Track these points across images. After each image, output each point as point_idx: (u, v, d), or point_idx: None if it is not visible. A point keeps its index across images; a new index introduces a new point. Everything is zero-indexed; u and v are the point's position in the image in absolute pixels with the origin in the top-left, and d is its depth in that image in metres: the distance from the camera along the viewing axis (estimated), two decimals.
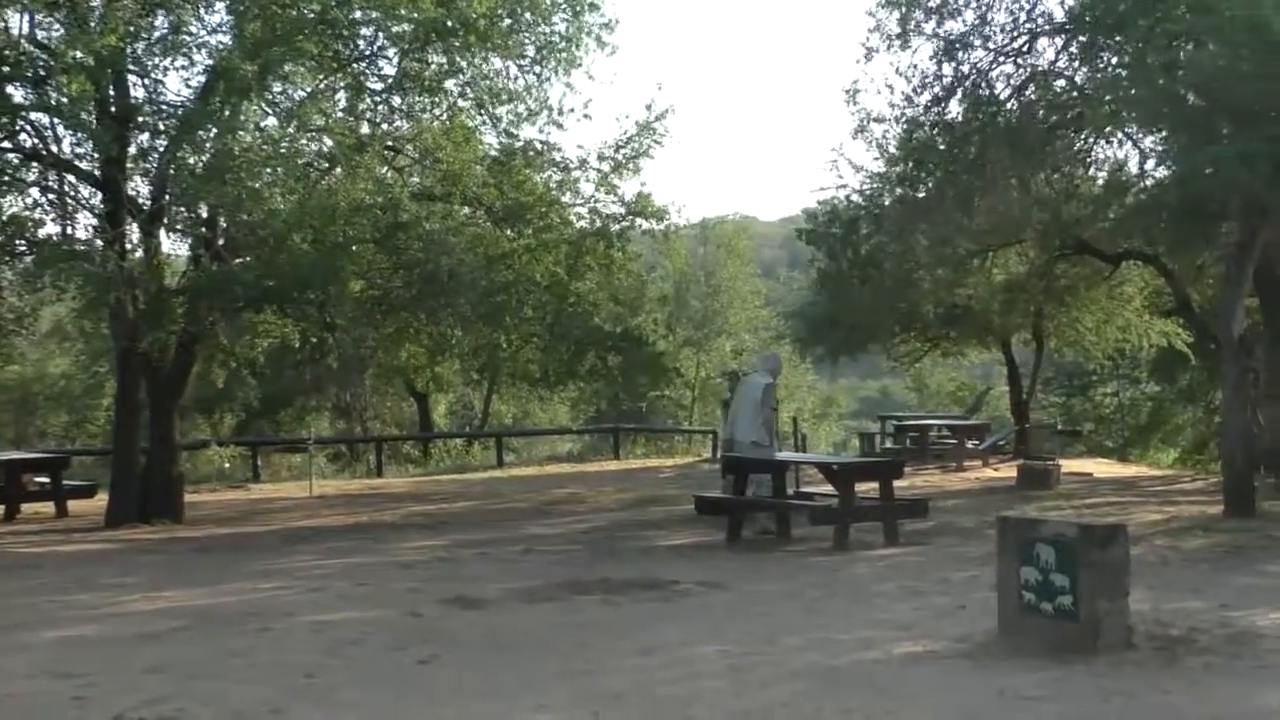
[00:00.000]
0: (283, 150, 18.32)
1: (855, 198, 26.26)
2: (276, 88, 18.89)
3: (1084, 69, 19.51)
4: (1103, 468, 28.43)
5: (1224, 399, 18.53)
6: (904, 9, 20.52)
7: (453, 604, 11.55)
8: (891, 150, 23.65)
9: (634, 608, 11.42)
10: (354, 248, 19.46)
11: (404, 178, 21.25)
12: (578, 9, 20.85)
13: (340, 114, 19.79)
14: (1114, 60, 18.71)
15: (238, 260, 19.48)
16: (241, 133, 17.80)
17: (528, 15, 20.60)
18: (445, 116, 21.31)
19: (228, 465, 28.07)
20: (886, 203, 24.93)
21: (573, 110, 21.70)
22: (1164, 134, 18.13)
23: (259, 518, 20.10)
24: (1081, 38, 19.16)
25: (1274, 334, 22.21)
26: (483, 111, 21.51)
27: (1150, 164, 20.47)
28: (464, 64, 20.39)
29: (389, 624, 10.65)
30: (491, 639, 9.94)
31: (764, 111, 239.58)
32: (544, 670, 8.74)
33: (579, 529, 18.05)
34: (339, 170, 19.47)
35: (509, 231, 21.95)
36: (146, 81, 19.01)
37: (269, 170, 18.14)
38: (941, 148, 21.31)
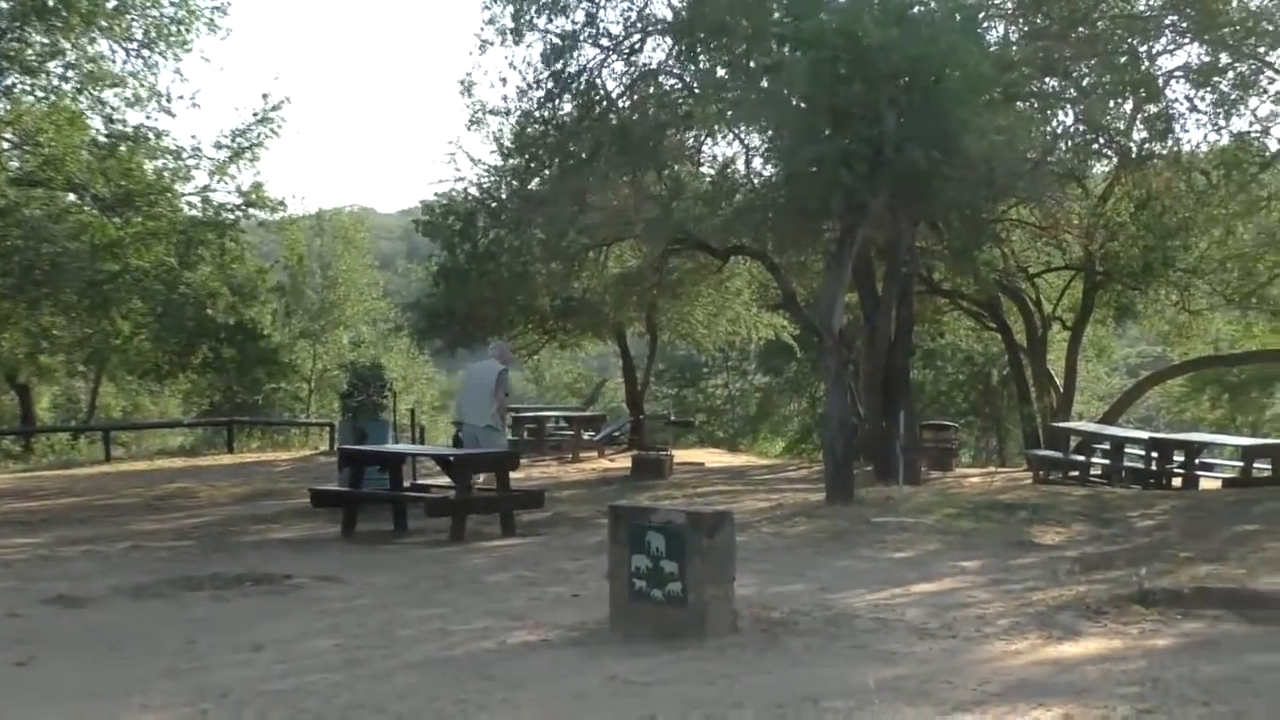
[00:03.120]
0: None
1: (473, 190, 26.38)
2: None
3: (691, 69, 20.01)
4: (714, 457, 29.28)
5: (826, 390, 19.24)
6: (517, 4, 20.65)
7: (54, 603, 11.10)
8: (506, 144, 23.86)
9: (246, 603, 11.20)
10: None
11: (2, 162, 20.35)
12: None
13: None
14: (723, 59, 19.23)
15: None
16: None
17: None
18: (47, 99, 20.52)
19: None
20: (504, 195, 25.11)
21: (183, 97, 21.29)
22: (768, 134, 18.72)
23: None
24: (687, 39, 19.64)
25: (872, 328, 23.21)
26: (87, 95, 20.81)
27: (756, 163, 21.16)
28: (67, 45, 19.68)
29: None
30: (95, 638, 9.60)
31: (382, 102, 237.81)
32: (150, 669, 8.49)
33: (190, 524, 17.59)
34: None
35: (116, 219, 21.28)
36: None
37: None
38: (554, 142, 21.58)
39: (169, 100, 21.36)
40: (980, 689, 7.59)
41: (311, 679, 8.19)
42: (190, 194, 22.64)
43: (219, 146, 22.24)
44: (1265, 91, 21.37)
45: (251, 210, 23.31)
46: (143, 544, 15.45)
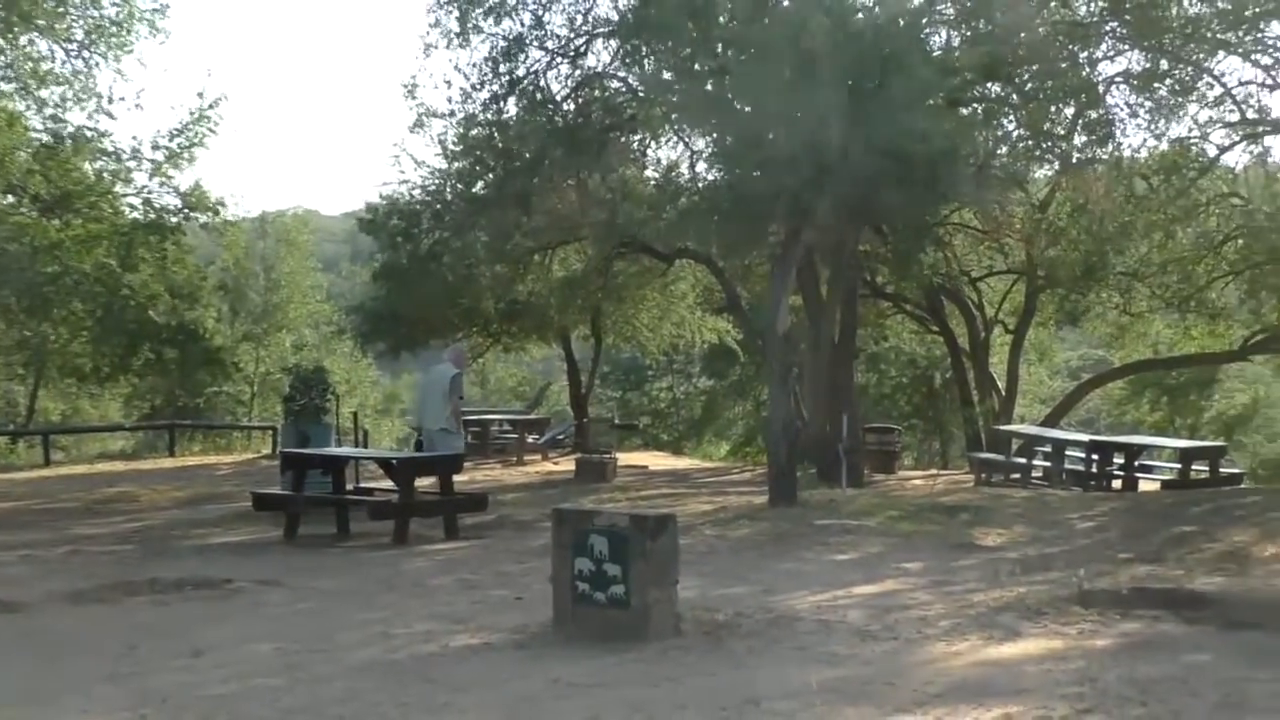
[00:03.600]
0: None
1: (417, 193, 26.29)
2: None
3: (637, 71, 20.03)
4: (658, 461, 29.26)
5: (770, 393, 19.25)
6: (463, 7, 20.63)
7: None
8: (451, 146, 23.81)
9: (186, 607, 11.14)
10: None
11: None
12: None
13: None
14: (669, 62, 19.25)
15: None
16: None
17: None
18: None
19: None
20: (449, 198, 25.05)
21: (124, 99, 21.13)
22: (714, 137, 18.75)
23: None
24: (632, 41, 19.66)
25: (817, 331, 23.27)
26: (26, 95, 20.65)
27: (701, 166, 21.19)
28: (5, 45, 19.52)
29: None
30: (34, 643, 9.53)
31: (327, 104, 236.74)
32: (90, 674, 8.43)
33: (130, 528, 17.45)
34: None
35: (56, 221, 21.11)
36: None
37: None
38: (499, 145, 21.56)
39: (110, 101, 21.27)
40: (921, 690, 7.64)
41: (253, 683, 8.15)
42: (130, 195, 22.51)
43: (156, 147, 22.09)
44: (1204, 97, 21.65)
45: (192, 214, 23.17)
46: (82, 548, 15.32)
